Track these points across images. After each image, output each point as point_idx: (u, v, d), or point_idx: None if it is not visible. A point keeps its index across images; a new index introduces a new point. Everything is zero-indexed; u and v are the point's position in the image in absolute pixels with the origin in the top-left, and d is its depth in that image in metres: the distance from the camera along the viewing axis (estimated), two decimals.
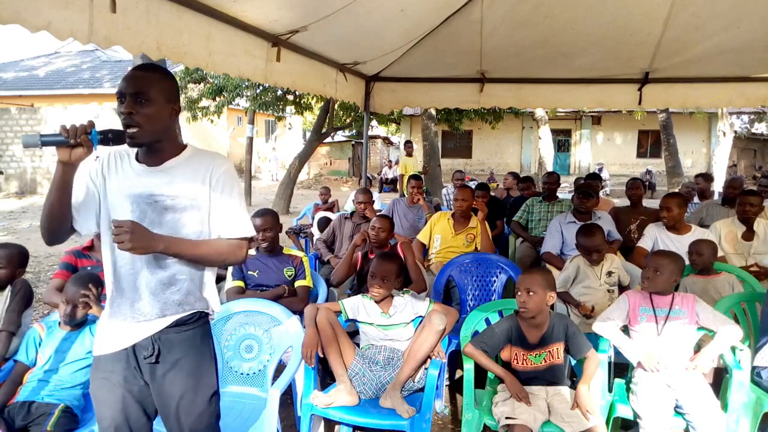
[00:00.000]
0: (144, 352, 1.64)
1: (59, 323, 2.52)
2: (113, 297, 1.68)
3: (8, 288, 2.68)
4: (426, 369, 2.57)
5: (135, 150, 1.67)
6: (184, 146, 1.70)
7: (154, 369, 1.66)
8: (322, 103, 12.23)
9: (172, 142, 1.67)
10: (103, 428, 1.69)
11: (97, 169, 1.68)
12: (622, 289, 3.33)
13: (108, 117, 14.10)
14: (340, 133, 19.55)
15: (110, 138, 1.50)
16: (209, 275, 1.74)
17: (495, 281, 3.75)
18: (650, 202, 5.12)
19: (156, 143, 1.63)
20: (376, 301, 2.75)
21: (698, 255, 3.22)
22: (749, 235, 3.85)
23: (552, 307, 2.61)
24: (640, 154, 24.37)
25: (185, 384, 1.67)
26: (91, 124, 1.46)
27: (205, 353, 1.74)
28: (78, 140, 1.43)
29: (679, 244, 3.62)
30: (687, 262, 3.30)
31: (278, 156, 24.05)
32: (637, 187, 5.07)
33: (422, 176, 8.16)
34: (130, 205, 1.62)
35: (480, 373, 2.58)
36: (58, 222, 1.58)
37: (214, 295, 1.77)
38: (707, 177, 6.45)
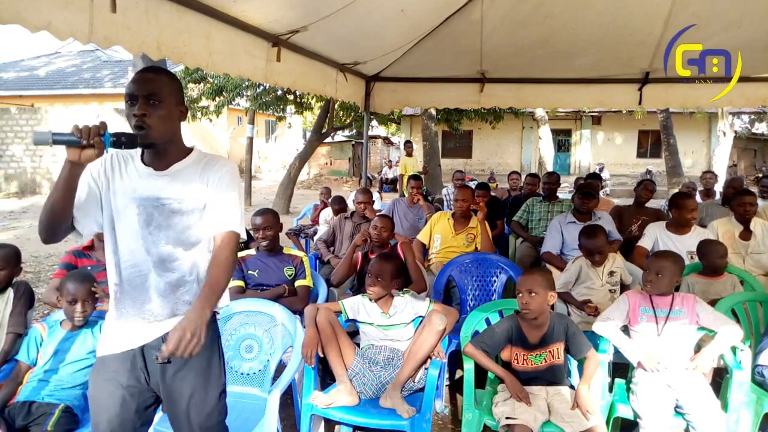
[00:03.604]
0: (155, 352, 1.62)
1: (60, 323, 2.53)
2: (120, 299, 1.65)
3: (9, 290, 2.69)
4: (426, 369, 2.57)
5: (140, 152, 1.66)
6: (190, 149, 1.69)
7: (165, 369, 1.65)
8: (323, 103, 12.23)
9: (179, 145, 1.67)
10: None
11: (99, 170, 1.64)
12: (624, 288, 3.33)
13: (109, 117, 14.10)
14: (340, 133, 19.53)
15: (123, 141, 1.46)
16: None
17: (495, 281, 3.75)
18: (650, 202, 5.12)
19: (164, 145, 1.62)
20: (374, 301, 2.75)
21: (721, 258, 3.21)
22: (746, 234, 3.85)
23: (552, 307, 2.61)
24: (641, 154, 24.35)
25: (195, 383, 1.67)
26: (104, 126, 1.43)
27: (215, 352, 1.74)
28: (91, 141, 1.39)
29: (680, 244, 3.62)
30: (687, 262, 3.31)
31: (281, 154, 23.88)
32: (649, 189, 5.04)
33: (422, 176, 8.16)
34: (136, 208, 1.61)
35: (480, 373, 2.58)
36: (58, 221, 1.54)
37: (225, 294, 1.74)
38: (715, 174, 6.54)
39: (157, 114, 1.54)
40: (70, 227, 1.59)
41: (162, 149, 1.63)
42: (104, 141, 1.42)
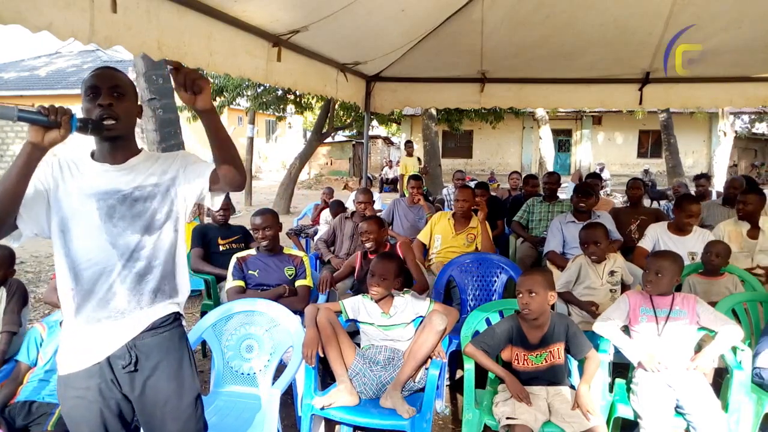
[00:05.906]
0: (120, 362, 1.57)
1: (60, 323, 2.52)
2: (81, 303, 1.55)
3: (2, 289, 2.69)
4: (426, 369, 2.57)
5: (89, 153, 1.63)
6: (141, 149, 1.69)
7: (134, 378, 1.59)
8: (323, 103, 12.23)
9: (134, 141, 1.67)
10: None
11: (46, 173, 1.56)
12: (625, 288, 3.33)
13: None
14: (340, 133, 19.54)
15: (89, 126, 1.44)
16: (181, 258, 1.69)
17: (495, 281, 3.75)
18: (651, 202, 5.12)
19: (123, 140, 1.61)
20: (375, 301, 2.75)
21: (716, 256, 3.22)
22: (754, 233, 3.83)
23: (553, 307, 2.61)
24: (641, 154, 24.35)
25: (168, 388, 1.61)
26: (71, 111, 1.39)
27: (184, 355, 1.68)
28: (58, 120, 1.34)
29: (681, 244, 3.62)
30: (687, 262, 3.30)
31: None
32: (637, 186, 5.06)
33: (422, 176, 8.16)
34: (95, 203, 1.56)
35: (480, 373, 2.58)
36: (6, 211, 1.44)
37: (185, 280, 1.72)
38: (707, 177, 6.49)
39: (122, 105, 1.55)
40: (14, 224, 1.49)
41: (120, 144, 1.61)
42: (71, 123, 1.38)
